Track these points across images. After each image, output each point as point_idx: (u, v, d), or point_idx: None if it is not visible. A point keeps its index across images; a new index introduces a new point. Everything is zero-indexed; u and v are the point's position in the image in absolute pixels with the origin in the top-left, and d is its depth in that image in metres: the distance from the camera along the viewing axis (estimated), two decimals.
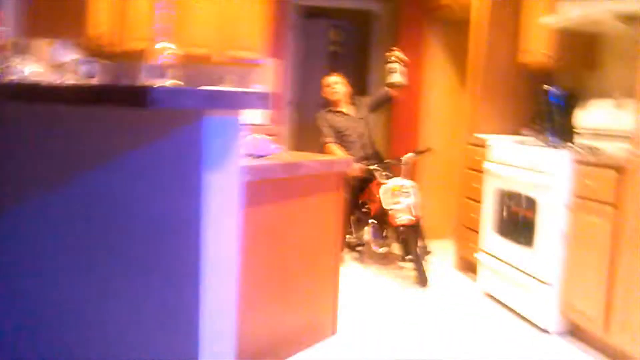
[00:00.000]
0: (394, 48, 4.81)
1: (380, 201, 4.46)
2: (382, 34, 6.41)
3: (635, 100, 2.88)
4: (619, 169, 3.01)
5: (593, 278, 3.16)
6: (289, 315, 2.20)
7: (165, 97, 1.51)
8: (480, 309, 3.91)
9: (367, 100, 5.16)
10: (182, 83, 1.83)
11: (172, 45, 1.84)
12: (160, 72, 1.80)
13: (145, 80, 1.83)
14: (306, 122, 7.98)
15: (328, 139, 4.92)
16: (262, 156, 2.07)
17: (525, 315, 3.68)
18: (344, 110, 5.05)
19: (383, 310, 3.80)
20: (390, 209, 4.35)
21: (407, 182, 4.46)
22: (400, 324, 3.57)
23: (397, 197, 4.36)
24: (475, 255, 4.31)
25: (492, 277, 4.07)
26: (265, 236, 2.06)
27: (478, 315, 3.78)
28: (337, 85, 5.07)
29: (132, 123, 1.75)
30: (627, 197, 2.94)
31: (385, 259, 4.87)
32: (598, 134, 3.83)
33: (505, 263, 3.91)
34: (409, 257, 4.36)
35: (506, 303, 3.91)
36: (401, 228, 4.36)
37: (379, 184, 4.52)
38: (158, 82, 1.79)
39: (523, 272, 3.69)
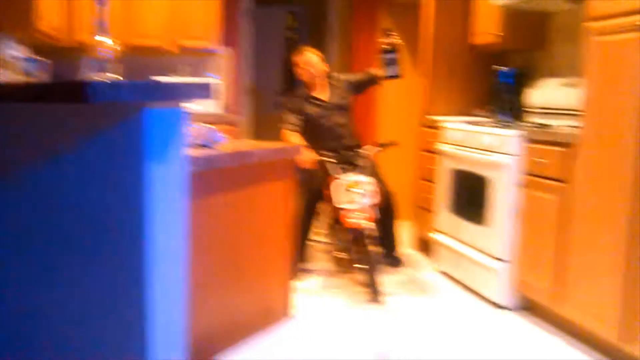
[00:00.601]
0: (392, 32, 4.00)
1: (332, 199, 3.85)
2: (337, 18, 6.42)
3: (582, 77, 2.95)
4: (566, 145, 3.08)
5: (545, 253, 3.23)
6: (241, 301, 2.22)
7: (104, 91, 1.51)
8: (436, 288, 3.97)
9: (348, 80, 4.38)
10: (121, 77, 1.82)
11: (111, 40, 1.83)
12: (101, 66, 1.78)
13: (86, 75, 1.82)
14: (265, 110, 7.98)
15: (285, 125, 4.23)
16: (210, 146, 2.07)
17: (480, 292, 3.75)
18: (319, 94, 4.29)
19: (337, 293, 3.83)
20: (342, 208, 3.74)
21: (365, 179, 3.82)
22: (354, 304, 3.61)
23: (352, 195, 3.75)
24: (431, 235, 4.37)
25: (448, 256, 4.13)
26: (215, 224, 2.06)
27: (434, 294, 3.84)
28: (312, 64, 4.25)
29: (74, 118, 1.73)
30: (574, 173, 3.01)
31: (344, 265, 4.11)
32: (547, 112, 3.91)
33: (460, 242, 3.98)
34: (361, 266, 3.68)
35: (462, 281, 3.98)
36: (353, 232, 3.70)
37: (333, 179, 3.89)
38: (98, 77, 1.78)
39: (477, 249, 3.76)
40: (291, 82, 8.52)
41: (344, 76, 4.42)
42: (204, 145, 2.05)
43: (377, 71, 4.22)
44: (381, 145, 4.09)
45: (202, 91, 1.76)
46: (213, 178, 2.02)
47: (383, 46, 3.96)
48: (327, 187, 3.94)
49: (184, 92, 1.70)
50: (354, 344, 3.03)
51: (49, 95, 1.59)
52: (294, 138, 4.14)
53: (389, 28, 3.97)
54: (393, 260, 4.29)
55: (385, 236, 4.25)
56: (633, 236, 2.62)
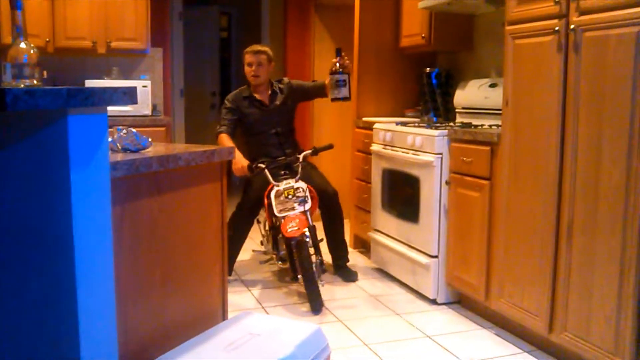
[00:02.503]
0: (342, 53, 3.90)
1: (269, 207, 3.78)
2: (271, 19, 6.45)
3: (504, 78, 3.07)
4: (489, 144, 3.19)
5: (473, 249, 3.34)
6: (175, 305, 2.22)
7: (24, 98, 1.49)
8: (372, 284, 4.05)
9: (296, 86, 4.32)
10: (41, 83, 1.80)
11: (31, 45, 1.80)
12: (21, 72, 1.75)
13: (5, 81, 1.79)
14: (198, 111, 7.93)
15: (221, 128, 4.09)
16: (135, 150, 2.06)
17: (415, 288, 3.85)
18: (260, 96, 4.19)
19: (277, 293, 3.86)
20: (281, 217, 3.67)
21: (303, 185, 3.77)
22: (293, 303, 3.65)
23: (290, 202, 3.69)
24: (368, 233, 4.45)
25: (384, 253, 4.22)
26: (145, 229, 2.06)
27: (370, 290, 3.91)
28: (260, 64, 4.13)
29: None
30: (496, 171, 3.13)
31: (285, 274, 4.17)
32: (473, 112, 4.04)
33: (394, 239, 4.07)
34: (300, 276, 3.62)
35: (397, 277, 4.07)
36: (292, 241, 3.61)
37: (272, 187, 3.80)
38: (18, 83, 1.75)
39: (410, 246, 3.86)
40: (226, 83, 8.52)
41: (293, 82, 4.34)
42: (129, 150, 2.04)
43: (326, 86, 4.13)
44: (318, 149, 4.01)
45: (127, 96, 1.75)
46: (139, 182, 2.01)
47: (335, 67, 3.89)
48: (265, 195, 3.86)
49: (108, 98, 1.70)
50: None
51: None
52: (227, 142, 3.99)
53: (340, 48, 3.91)
54: (347, 274, 4.18)
55: (335, 243, 4.20)
56: (551, 232, 2.74)
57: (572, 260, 2.64)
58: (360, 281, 4.13)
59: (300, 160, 3.96)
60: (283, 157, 4.06)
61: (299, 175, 3.84)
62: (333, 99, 3.97)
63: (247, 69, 4.15)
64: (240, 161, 3.90)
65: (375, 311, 3.58)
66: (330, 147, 4.03)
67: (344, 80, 3.88)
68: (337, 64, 3.89)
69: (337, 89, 3.90)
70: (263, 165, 3.85)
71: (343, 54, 3.89)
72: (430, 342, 3.13)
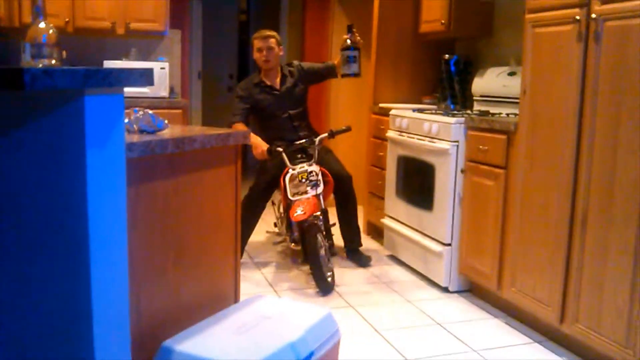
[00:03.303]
0: (354, 29, 3.90)
1: (284, 190, 3.80)
2: (290, 2, 6.43)
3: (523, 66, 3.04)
4: (506, 132, 3.17)
5: (487, 238, 3.33)
6: (189, 287, 2.24)
7: (42, 78, 1.50)
8: (385, 271, 4.05)
9: (306, 69, 4.29)
10: (59, 63, 1.81)
11: (51, 24, 1.81)
12: (40, 51, 1.77)
13: (25, 61, 1.80)
14: (216, 93, 7.94)
15: (234, 118, 4.09)
16: (151, 131, 2.08)
17: (427, 275, 3.85)
18: (271, 81, 4.18)
19: (287, 277, 3.89)
20: (293, 201, 3.68)
21: (316, 168, 3.80)
22: (306, 289, 3.67)
23: (303, 186, 3.71)
24: (382, 220, 4.45)
25: (397, 240, 4.22)
26: (159, 211, 2.07)
27: (381, 277, 3.92)
28: (270, 49, 4.11)
29: (13, 105, 1.72)
30: (512, 160, 3.11)
31: (297, 256, 4.27)
32: (491, 100, 4.01)
33: (408, 226, 4.06)
34: (308, 259, 3.70)
35: (410, 264, 4.07)
36: (304, 223, 3.66)
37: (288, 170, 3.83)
38: (37, 63, 1.77)
39: (424, 234, 3.85)
40: (245, 66, 8.52)
41: (303, 64, 4.32)
42: (145, 131, 2.06)
43: (338, 65, 4.13)
44: (335, 132, 4.01)
45: (144, 77, 1.76)
46: (154, 164, 2.02)
47: (345, 43, 3.89)
48: (282, 177, 3.88)
49: (125, 79, 1.70)
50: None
51: None
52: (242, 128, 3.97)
53: (352, 25, 3.89)
54: (360, 258, 4.19)
55: (347, 227, 4.21)
56: (564, 222, 2.73)
57: (585, 251, 2.63)
58: (373, 267, 4.14)
59: (317, 143, 3.97)
60: (301, 141, 4.05)
61: (314, 159, 3.86)
62: (343, 75, 3.99)
63: (256, 54, 4.15)
64: (260, 145, 3.93)
65: (387, 297, 3.59)
66: (347, 129, 4.03)
67: (355, 56, 3.89)
68: (349, 40, 3.90)
69: (347, 65, 3.92)
70: (281, 149, 3.87)
71: (354, 29, 3.88)
72: (441, 329, 3.14)
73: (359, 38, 3.89)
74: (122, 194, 1.78)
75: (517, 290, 3.08)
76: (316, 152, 3.93)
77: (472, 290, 3.65)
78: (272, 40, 4.13)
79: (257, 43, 4.14)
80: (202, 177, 2.28)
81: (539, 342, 2.97)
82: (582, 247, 2.65)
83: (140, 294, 2.00)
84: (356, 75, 3.95)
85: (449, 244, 3.62)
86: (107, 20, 4.99)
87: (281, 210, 4.32)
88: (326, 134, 4.03)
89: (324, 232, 3.71)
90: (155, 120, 2.08)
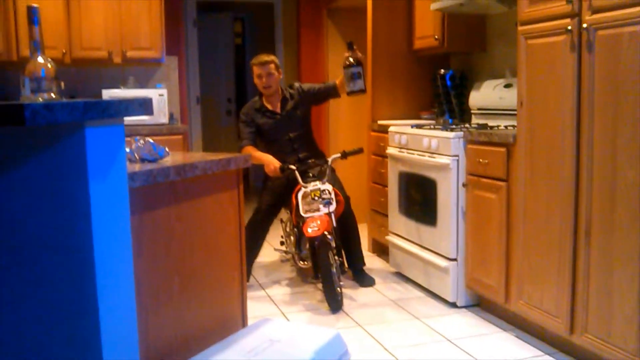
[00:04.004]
0: (354, 46, 3.89)
1: (296, 207, 3.84)
2: (285, 24, 6.48)
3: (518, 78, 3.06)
4: (505, 145, 3.18)
5: (492, 251, 3.33)
6: (195, 313, 2.24)
7: (43, 113, 1.51)
8: (391, 288, 4.04)
9: (307, 90, 4.30)
10: (58, 96, 1.82)
11: (48, 59, 1.83)
12: (39, 85, 1.78)
13: (24, 95, 1.81)
14: (215, 118, 7.98)
15: (243, 142, 4.17)
16: (152, 160, 2.09)
17: (434, 291, 3.83)
18: (271, 105, 4.22)
19: (295, 296, 3.87)
20: (307, 217, 3.71)
21: (329, 187, 3.82)
22: (311, 308, 3.66)
23: (315, 203, 3.74)
24: (386, 237, 4.45)
25: (402, 257, 4.21)
26: (163, 238, 2.08)
27: (389, 294, 3.91)
28: (270, 74, 4.13)
29: (13, 140, 1.73)
30: (513, 172, 3.12)
31: (307, 274, 4.30)
32: (490, 113, 4.02)
33: (412, 242, 4.06)
34: (319, 275, 3.73)
35: (416, 280, 4.06)
36: (315, 240, 3.67)
37: (300, 188, 3.87)
38: (34, 98, 1.78)
39: (428, 250, 3.85)
40: (242, 89, 8.56)
41: (303, 86, 4.33)
42: (146, 160, 2.07)
43: (340, 84, 4.14)
44: (348, 153, 4.01)
45: (143, 107, 1.77)
46: (157, 192, 2.03)
47: (348, 60, 3.88)
48: (293, 194, 3.91)
49: (125, 110, 1.72)
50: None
51: None
52: (256, 153, 4.07)
53: (352, 42, 3.90)
54: (364, 279, 4.17)
55: (349, 248, 4.21)
56: (569, 232, 2.72)
57: (591, 260, 2.62)
58: (379, 285, 4.13)
59: (330, 163, 4.03)
60: (313, 160, 4.12)
61: (326, 178, 3.89)
62: (349, 93, 3.95)
63: (257, 80, 4.18)
64: (272, 162, 3.99)
65: (395, 315, 3.57)
66: (360, 151, 4.07)
67: (359, 73, 3.86)
68: (350, 58, 3.89)
69: (353, 82, 3.88)
70: (294, 167, 3.91)
71: (355, 46, 3.89)
72: (450, 345, 3.12)
73: (360, 54, 3.91)
74: (126, 223, 1.78)
75: (524, 302, 3.07)
76: (328, 170, 3.96)
77: (480, 304, 3.64)
78: (271, 65, 4.15)
79: (256, 70, 4.17)
80: (204, 203, 2.29)
81: (550, 354, 2.96)
82: (587, 256, 2.64)
83: (147, 321, 2.00)
84: (362, 91, 3.94)
85: (455, 259, 3.61)
86: (104, 50, 5.04)
87: (288, 229, 4.34)
88: (339, 155, 4.05)
89: (335, 250, 3.75)
90: (156, 148, 2.09)
